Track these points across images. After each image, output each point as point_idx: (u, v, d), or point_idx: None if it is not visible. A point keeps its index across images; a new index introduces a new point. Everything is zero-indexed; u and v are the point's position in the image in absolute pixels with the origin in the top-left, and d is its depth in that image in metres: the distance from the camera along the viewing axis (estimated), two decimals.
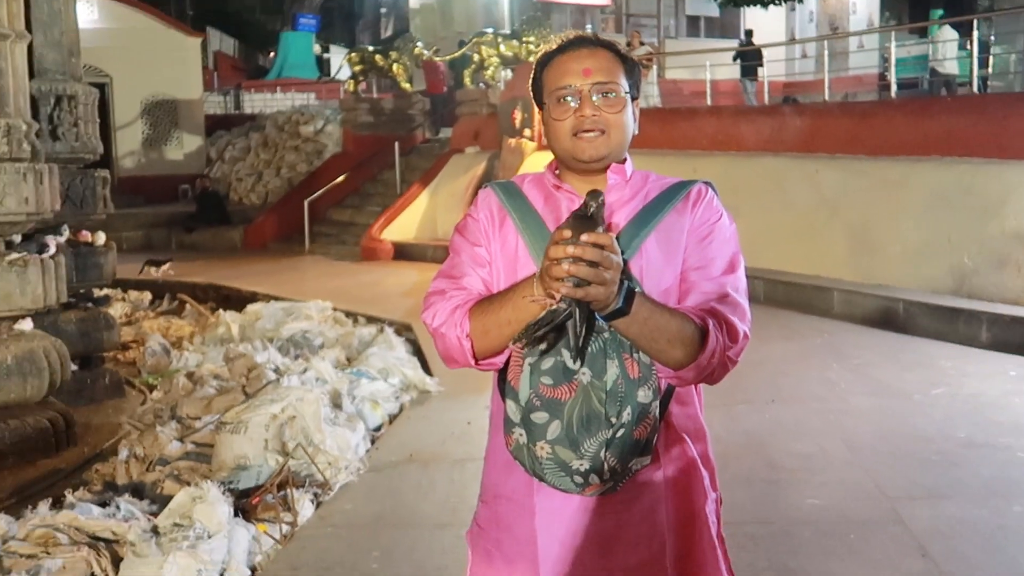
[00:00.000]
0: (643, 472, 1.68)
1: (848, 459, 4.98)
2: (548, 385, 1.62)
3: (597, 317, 1.56)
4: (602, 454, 1.60)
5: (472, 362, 1.73)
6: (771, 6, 19.52)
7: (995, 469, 4.75)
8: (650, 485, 1.69)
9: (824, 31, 23.29)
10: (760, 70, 15.57)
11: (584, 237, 1.46)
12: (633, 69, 1.80)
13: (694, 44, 22.45)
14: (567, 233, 1.48)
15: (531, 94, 1.85)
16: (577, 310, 1.52)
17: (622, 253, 1.64)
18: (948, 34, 13.44)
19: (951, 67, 14.77)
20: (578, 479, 1.63)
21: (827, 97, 12.58)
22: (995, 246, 8.13)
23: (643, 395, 1.62)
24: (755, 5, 19.30)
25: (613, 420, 1.60)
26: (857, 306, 8.66)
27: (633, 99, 1.79)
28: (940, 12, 18.59)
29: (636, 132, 1.81)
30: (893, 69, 12.02)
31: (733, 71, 17.61)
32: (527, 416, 1.64)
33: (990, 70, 15.11)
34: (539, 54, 1.83)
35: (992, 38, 16.57)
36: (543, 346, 1.61)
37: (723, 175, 11.42)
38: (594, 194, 1.53)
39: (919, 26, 17.64)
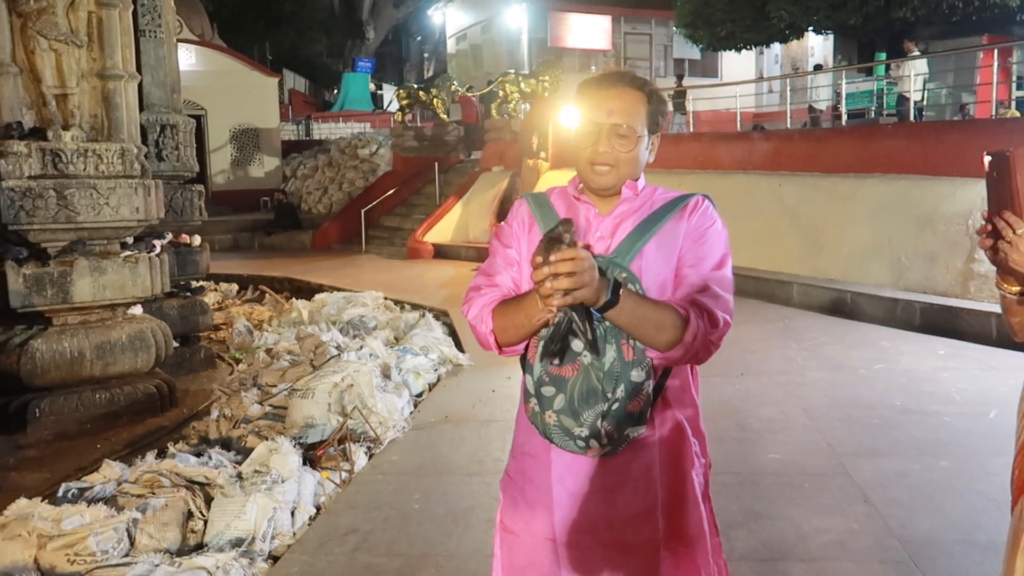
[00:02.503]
0: (640, 438, 1.65)
1: (805, 423, 4.92)
2: (555, 364, 1.61)
3: (593, 311, 1.55)
4: (599, 423, 1.59)
5: (497, 351, 1.72)
6: (743, 51, 19.29)
7: (926, 431, 4.68)
8: (646, 449, 1.67)
9: (787, 71, 23.05)
10: (688, 104, 15.77)
11: (553, 257, 1.45)
12: (657, 105, 1.73)
13: (683, 83, 22.25)
14: (539, 259, 1.46)
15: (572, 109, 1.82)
16: (574, 313, 1.52)
17: (626, 255, 1.63)
18: (919, 68, 13.07)
19: (917, 97, 14.45)
20: (580, 443, 1.62)
21: (788, 125, 12.43)
22: (927, 247, 8.01)
23: (636, 375, 1.59)
24: (730, 50, 19.08)
25: (609, 395, 1.58)
26: (812, 297, 8.56)
27: (652, 132, 1.73)
28: (883, 55, 18.31)
29: (651, 159, 1.76)
30: (844, 102, 11.86)
31: (713, 104, 17.41)
32: (538, 389, 1.64)
33: (924, 102, 14.85)
34: (582, 81, 1.76)
35: (927, 76, 16.31)
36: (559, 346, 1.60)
37: (702, 189, 11.28)
38: (566, 223, 1.50)
39: (866, 66, 17.38)
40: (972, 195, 7.63)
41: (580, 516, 1.68)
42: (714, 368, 6.17)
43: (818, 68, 20.75)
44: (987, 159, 1.64)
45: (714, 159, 11.57)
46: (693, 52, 23.28)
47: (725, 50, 19.58)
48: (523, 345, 1.70)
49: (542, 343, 1.60)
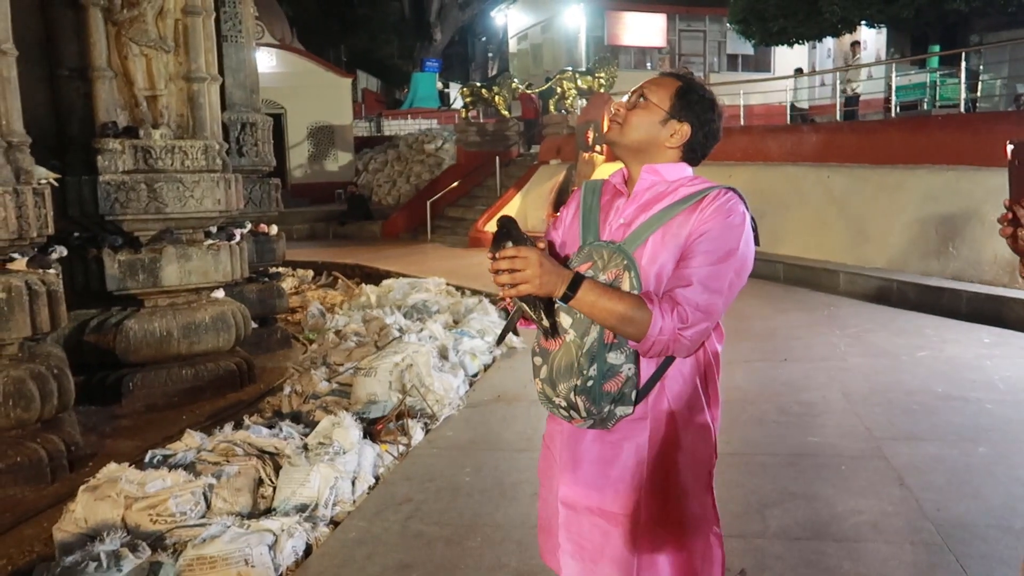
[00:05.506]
0: (632, 420, 1.62)
1: (844, 407, 4.80)
2: (545, 338, 1.64)
3: (557, 301, 1.56)
4: (572, 396, 1.59)
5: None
6: (796, 45, 18.74)
7: (966, 418, 4.52)
8: (637, 431, 1.64)
9: (840, 64, 22.30)
10: (740, 98, 15.07)
11: (491, 254, 1.50)
12: (691, 99, 1.68)
13: (733, 77, 21.77)
14: (488, 255, 1.52)
15: None
16: (523, 303, 1.56)
17: (634, 242, 1.60)
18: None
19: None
20: (563, 412, 1.64)
21: (838, 117, 12.04)
22: (974, 238, 7.70)
23: (613, 357, 1.57)
24: (782, 45, 18.56)
25: (584, 372, 1.57)
26: (858, 285, 8.32)
27: (675, 118, 1.67)
28: (937, 47, 17.57)
29: (670, 145, 1.68)
30: (893, 94, 11.42)
31: (764, 97, 16.99)
32: (532, 359, 1.69)
33: (978, 94, 14.19)
34: None
35: (981, 67, 15.58)
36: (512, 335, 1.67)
37: (752, 181, 11.09)
38: (509, 222, 1.57)
39: (918, 59, 16.71)
40: None
41: (578, 482, 1.68)
42: (758, 354, 6.10)
43: (842, 66, 20.00)
44: (1009, 148, 1.57)
45: (763, 151, 11.31)
46: (746, 48, 22.74)
47: (777, 45, 19.07)
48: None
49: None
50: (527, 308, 1.57)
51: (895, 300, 7.76)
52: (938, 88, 15.47)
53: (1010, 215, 1.55)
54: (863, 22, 16.90)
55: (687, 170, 1.71)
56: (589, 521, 1.68)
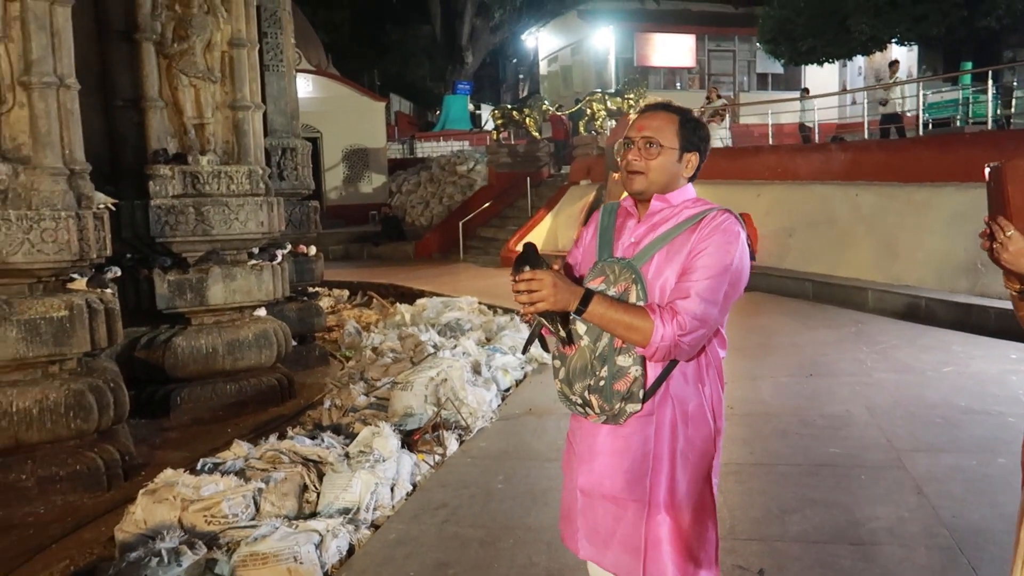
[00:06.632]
0: (641, 416, 1.82)
1: (867, 420, 4.91)
2: (562, 346, 1.86)
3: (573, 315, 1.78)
4: (586, 394, 1.81)
5: None
6: (826, 64, 18.82)
7: (987, 430, 4.61)
8: (644, 425, 1.83)
9: (871, 83, 22.28)
10: (768, 117, 15.22)
11: (513, 277, 1.74)
12: (693, 129, 1.86)
13: (763, 96, 21.88)
14: (511, 277, 1.75)
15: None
16: (542, 318, 1.79)
17: (642, 259, 1.81)
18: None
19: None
20: (579, 408, 1.86)
21: (866, 135, 12.12)
22: None
23: (622, 360, 1.78)
24: (812, 63, 18.65)
25: (596, 373, 1.79)
26: (887, 302, 8.39)
27: (687, 151, 1.85)
28: (969, 64, 17.53)
29: (687, 175, 1.87)
30: (920, 111, 11.49)
31: (793, 116, 17.08)
32: (552, 362, 1.91)
33: (1012, 110, 14.15)
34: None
35: (1015, 83, 15.53)
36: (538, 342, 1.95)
37: (781, 200, 11.22)
38: (528, 248, 1.78)
39: (950, 76, 16.69)
40: None
41: (594, 472, 1.89)
42: (784, 369, 6.23)
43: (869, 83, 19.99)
44: (987, 171, 1.77)
45: (792, 170, 11.42)
46: (776, 67, 22.83)
47: (807, 64, 19.15)
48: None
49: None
50: (545, 321, 1.80)
51: (923, 317, 7.82)
52: (970, 105, 15.45)
53: (988, 230, 1.75)
54: (893, 40, 16.95)
55: (690, 191, 1.92)
56: (602, 507, 1.89)
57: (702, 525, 1.87)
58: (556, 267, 1.82)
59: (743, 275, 1.81)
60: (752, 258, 1.85)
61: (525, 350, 2.11)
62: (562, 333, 1.81)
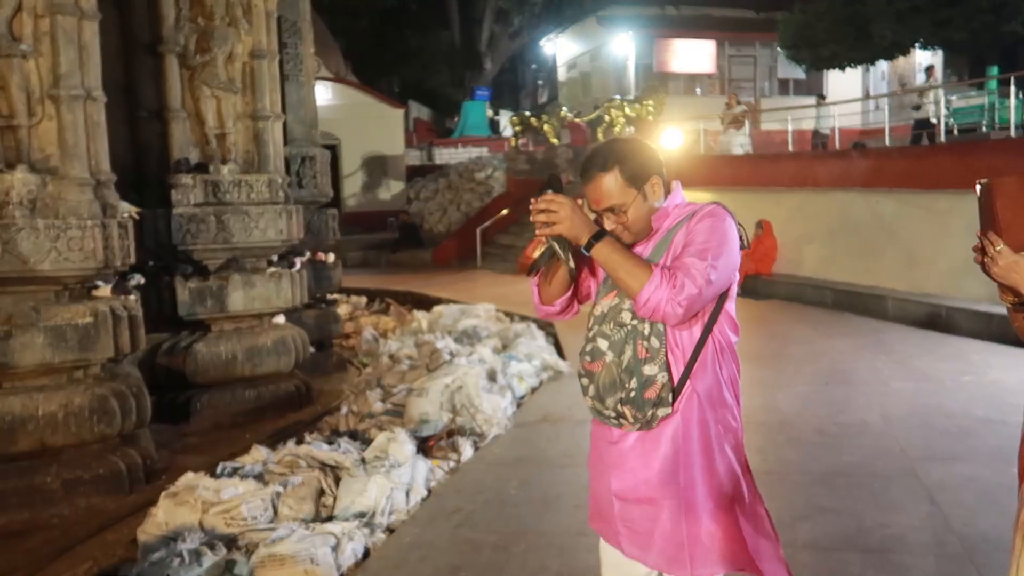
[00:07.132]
0: (668, 419, 1.90)
1: (882, 429, 4.94)
2: (588, 361, 1.92)
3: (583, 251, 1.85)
4: (619, 407, 1.88)
5: (539, 305, 2.08)
6: (848, 69, 18.75)
7: (1003, 440, 4.59)
8: (670, 427, 1.91)
9: (895, 88, 22.17)
10: (788, 124, 15.01)
11: (533, 200, 1.83)
12: (634, 164, 1.90)
13: (784, 102, 21.79)
14: (532, 200, 1.84)
15: None
16: (555, 243, 1.86)
17: (655, 256, 1.90)
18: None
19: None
20: (613, 421, 1.93)
21: (888, 142, 12.10)
22: None
23: (648, 370, 1.85)
24: (834, 68, 18.59)
25: (626, 386, 1.86)
26: (907, 311, 8.39)
27: (643, 183, 1.91)
28: (995, 69, 17.43)
29: (661, 201, 1.94)
30: (941, 117, 11.45)
31: (814, 123, 17.04)
32: (580, 381, 1.97)
33: None
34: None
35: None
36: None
37: (801, 207, 11.22)
38: (552, 176, 1.88)
39: (975, 82, 16.58)
40: None
41: (626, 477, 1.97)
42: (800, 378, 6.26)
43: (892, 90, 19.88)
44: (978, 187, 1.84)
45: (812, 177, 11.42)
46: (797, 72, 22.79)
47: (829, 69, 19.10)
48: (553, 310, 2.06)
49: (533, 263, 1.96)
50: (557, 246, 1.87)
51: (943, 326, 7.81)
52: (996, 111, 15.35)
53: (979, 244, 1.82)
54: (916, 45, 16.88)
55: (678, 195, 2.00)
56: (639, 509, 1.96)
57: (746, 503, 1.94)
58: (580, 202, 1.89)
59: (734, 247, 1.87)
60: (742, 246, 1.91)
61: (531, 272, 2.02)
62: (570, 263, 1.88)
